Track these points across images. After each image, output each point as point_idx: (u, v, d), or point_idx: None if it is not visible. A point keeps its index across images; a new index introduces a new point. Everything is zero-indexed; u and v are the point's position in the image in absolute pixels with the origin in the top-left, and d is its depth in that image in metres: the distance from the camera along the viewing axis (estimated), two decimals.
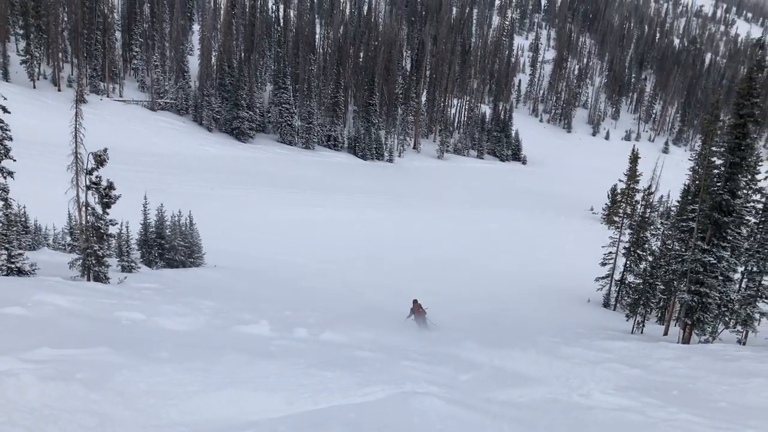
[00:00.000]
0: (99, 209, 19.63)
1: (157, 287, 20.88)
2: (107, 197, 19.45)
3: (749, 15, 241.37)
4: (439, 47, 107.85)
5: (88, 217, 19.52)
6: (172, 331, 13.32)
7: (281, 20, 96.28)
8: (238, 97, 73.01)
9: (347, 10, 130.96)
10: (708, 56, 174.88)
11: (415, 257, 41.32)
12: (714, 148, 25.31)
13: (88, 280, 19.50)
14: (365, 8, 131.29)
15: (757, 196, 28.38)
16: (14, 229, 18.39)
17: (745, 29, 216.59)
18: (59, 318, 12.32)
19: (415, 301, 21.55)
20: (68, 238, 27.79)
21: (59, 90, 64.07)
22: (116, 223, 20.63)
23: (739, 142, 23.41)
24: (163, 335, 12.73)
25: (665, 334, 29.28)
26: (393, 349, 15.16)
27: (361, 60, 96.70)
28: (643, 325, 30.74)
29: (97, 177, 19.21)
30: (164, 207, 29.56)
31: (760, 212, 28.92)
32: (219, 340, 13.00)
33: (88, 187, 19.24)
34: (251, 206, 47.17)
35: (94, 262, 19.55)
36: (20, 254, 18.23)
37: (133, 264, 24.50)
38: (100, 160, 18.86)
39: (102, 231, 19.66)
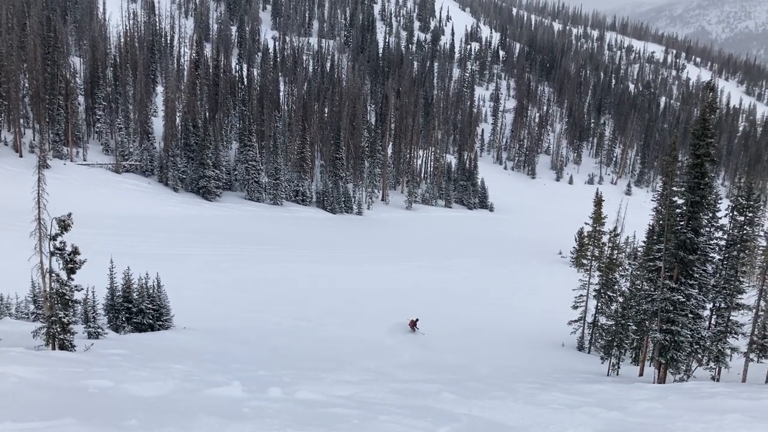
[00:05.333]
0: (64, 275, 19.18)
1: (125, 353, 20.35)
2: (72, 263, 19.03)
3: (698, 60, 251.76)
4: (403, 100, 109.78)
5: (53, 283, 19.06)
6: (142, 398, 12.94)
7: (245, 79, 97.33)
8: (203, 156, 72.90)
9: (310, 67, 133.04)
10: (663, 99, 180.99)
11: (388, 309, 41.08)
12: (675, 188, 25.97)
13: (53, 348, 18.92)
14: (328, 65, 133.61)
15: (720, 233, 29.05)
16: None
17: (695, 73, 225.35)
18: (22, 390, 11.89)
19: (411, 319, 35.24)
20: (32, 307, 27.04)
21: (21, 156, 63.31)
22: (81, 289, 20.14)
23: (698, 182, 24.06)
24: (132, 402, 12.36)
25: (641, 374, 29.38)
26: (370, 404, 14.92)
27: (326, 115, 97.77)
28: (618, 367, 30.81)
29: (61, 242, 18.82)
30: (131, 270, 29.02)
31: (723, 249, 29.57)
32: (190, 405, 12.66)
33: (52, 253, 18.83)
34: (220, 265, 46.62)
35: (59, 329, 19.02)
36: None
37: (99, 330, 23.88)
38: (64, 225, 18.52)
39: (67, 297, 19.18)
